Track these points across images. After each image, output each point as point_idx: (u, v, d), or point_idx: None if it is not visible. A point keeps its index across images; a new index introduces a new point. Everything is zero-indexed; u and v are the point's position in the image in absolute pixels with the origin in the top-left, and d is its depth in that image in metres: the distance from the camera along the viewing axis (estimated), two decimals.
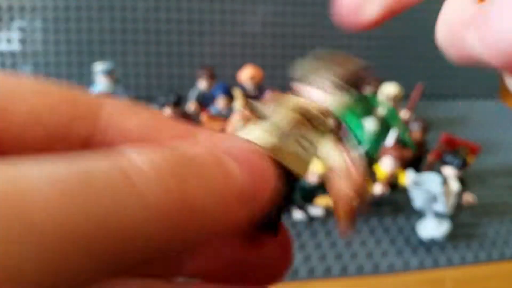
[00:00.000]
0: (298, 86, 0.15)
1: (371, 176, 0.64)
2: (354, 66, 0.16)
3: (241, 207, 0.10)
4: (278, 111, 0.14)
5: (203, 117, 0.73)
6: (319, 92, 0.15)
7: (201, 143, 0.12)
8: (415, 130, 0.69)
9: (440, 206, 0.56)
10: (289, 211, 0.61)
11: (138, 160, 0.09)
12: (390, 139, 0.69)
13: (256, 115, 0.14)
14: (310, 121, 0.14)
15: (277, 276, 0.14)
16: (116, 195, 0.08)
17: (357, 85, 0.15)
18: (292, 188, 0.13)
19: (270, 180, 0.11)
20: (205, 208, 0.10)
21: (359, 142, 0.11)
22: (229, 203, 0.10)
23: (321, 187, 0.59)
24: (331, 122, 0.14)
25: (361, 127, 0.11)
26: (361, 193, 0.13)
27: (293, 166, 0.13)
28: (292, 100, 0.14)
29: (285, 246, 0.14)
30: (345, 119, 0.12)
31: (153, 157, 0.09)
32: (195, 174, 0.10)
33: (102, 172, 0.09)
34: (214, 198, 0.10)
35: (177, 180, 0.09)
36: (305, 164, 0.13)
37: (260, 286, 0.14)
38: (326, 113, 0.14)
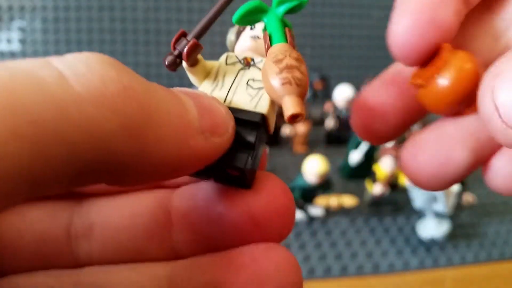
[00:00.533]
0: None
1: (371, 176, 0.64)
2: None
3: (200, 137, 0.11)
4: (222, 68, 0.15)
5: None
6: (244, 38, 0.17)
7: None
8: (415, 130, 0.69)
9: (440, 206, 0.56)
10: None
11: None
12: None
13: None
14: (248, 64, 0.15)
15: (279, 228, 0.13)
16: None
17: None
18: (261, 135, 0.14)
19: (225, 118, 0.12)
20: (159, 114, 0.10)
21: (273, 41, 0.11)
22: (186, 130, 0.11)
23: (321, 187, 0.59)
24: (261, 58, 0.15)
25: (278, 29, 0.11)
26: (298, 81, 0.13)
27: (242, 106, 0.14)
28: (230, 56, 0.16)
29: (280, 195, 0.14)
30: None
31: None
32: (152, 94, 0.11)
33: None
34: (170, 116, 0.11)
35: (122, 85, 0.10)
36: (252, 104, 0.14)
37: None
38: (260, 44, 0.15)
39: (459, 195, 0.62)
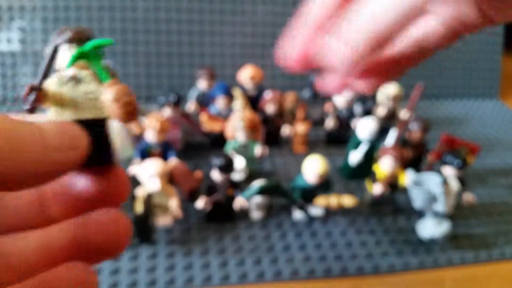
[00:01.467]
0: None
1: (371, 176, 0.64)
2: (78, 29, 0.24)
3: (58, 153, 0.16)
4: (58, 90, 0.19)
5: (203, 117, 0.73)
6: (62, 57, 0.21)
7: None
8: (415, 130, 0.69)
9: (440, 206, 0.56)
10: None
11: None
12: (390, 139, 0.69)
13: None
14: (78, 81, 0.19)
15: (118, 201, 0.19)
16: None
17: (82, 40, 0.22)
18: (100, 132, 0.19)
19: (78, 135, 0.17)
20: (25, 147, 0.15)
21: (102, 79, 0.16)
22: (45, 150, 0.16)
23: (321, 187, 0.59)
24: (85, 72, 0.19)
25: (101, 68, 0.15)
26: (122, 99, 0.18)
27: (88, 115, 0.19)
28: (58, 77, 0.19)
29: (119, 177, 0.20)
30: (92, 64, 0.20)
31: None
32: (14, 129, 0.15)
33: None
34: (32, 145, 0.15)
35: None
36: (95, 110, 0.19)
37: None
38: (80, 66, 0.19)
39: (459, 195, 0.62)
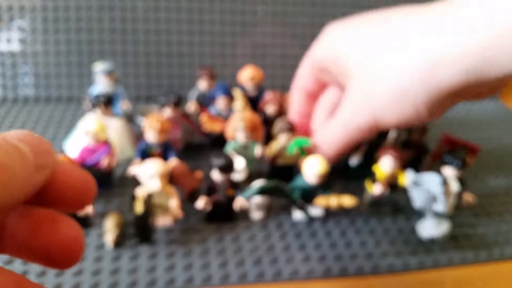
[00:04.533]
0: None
1: (371, 176, 0.64)
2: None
3: (36, 173, 0.15)
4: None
5: (203, 117, 0.73)
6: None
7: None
8: (415, 130, 0.69)
9: (440, 206, 0.56)
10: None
11: None
12: (390, 139, 0.69)
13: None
14: None
15: (72, 257, 0.18)
16: None
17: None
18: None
19: (48, 152, 0.16)
20: (11, 170, 0.14)
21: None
22: (27, 171, 0.15)
23: (321, 187, 0.59)
24: None
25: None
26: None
27: None
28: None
29: (76, 229, 0.18)
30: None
31: None
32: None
33: None
34: (16, 168, 0.14)
35: None
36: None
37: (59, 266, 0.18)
38: None
39: (459, 195, 0.62)
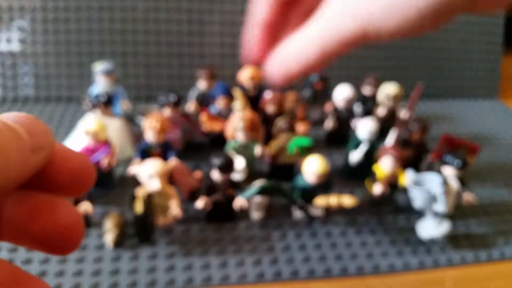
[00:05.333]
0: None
1: (371, 176, 0.64)
2: None
3: (32, 154, 0.15)
4: None
5: (203, 117, 0.73)
6: None
7: None
8: (415, 130, 0.69)
9: (440, 206, 0.56)
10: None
11: None
12: (390, 139, 0.69)
13: None
14: None
15: (70, 242, 0.17)
16: None
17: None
18: None
19: (46, 133, 0.16)
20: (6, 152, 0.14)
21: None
22: (23, 151, 0.15)
23: (321, 187, 0.59)
24: None
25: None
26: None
27: None
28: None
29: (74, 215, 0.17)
30: None
31: None
32: None
33: None
34: (11, 149, 0.14)
35: None
36: None
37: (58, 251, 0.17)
38: None
39: (459, 195, 0.62)
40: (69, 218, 0.17)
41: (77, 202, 0.55)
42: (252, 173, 0.68)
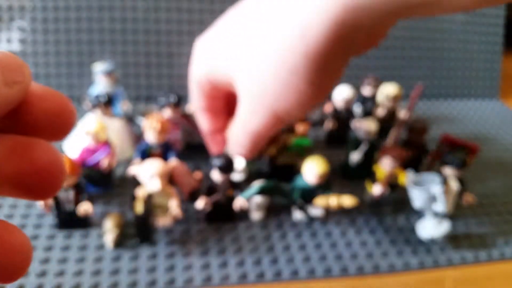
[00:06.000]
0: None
1: (371, 176, 0.64)
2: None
3: (5, 88, 0.15)
4: None
5: None
6: None
7: None
8: (415, 130, 0.69)
9: (440, 206, 0.56)
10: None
11: None
12: (390, 139, 0.69)
13: None
14: None
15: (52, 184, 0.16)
16: None
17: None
18: None
19: (21, 66, 0.15)
20: None
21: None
22: None
23: (321, 187, 0.59)
24: None
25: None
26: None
27: None
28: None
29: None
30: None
31: None
32: None
33: None
34: None
35: None
36: None
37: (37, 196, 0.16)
38: None
39: (459, 195, 0.62)
40: (46, 157, 0.16)
41: (77, 202, 0.55)
42: (252, 173, 0.68)
